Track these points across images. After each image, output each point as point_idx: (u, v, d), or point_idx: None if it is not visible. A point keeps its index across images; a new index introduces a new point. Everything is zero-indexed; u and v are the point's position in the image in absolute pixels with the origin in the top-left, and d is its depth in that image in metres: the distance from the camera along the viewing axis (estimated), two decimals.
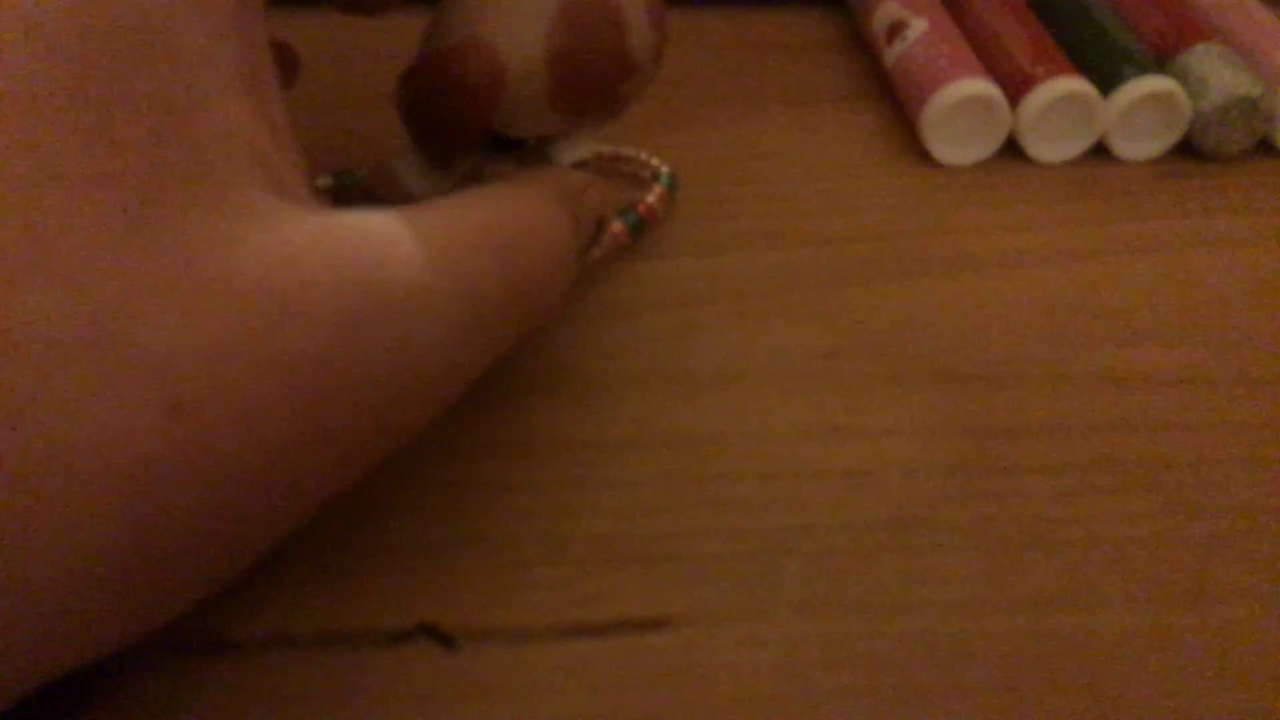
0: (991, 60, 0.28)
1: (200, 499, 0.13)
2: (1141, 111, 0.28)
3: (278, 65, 0.16)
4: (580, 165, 0.22)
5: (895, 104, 0.30)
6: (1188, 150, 0.28)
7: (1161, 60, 0.28)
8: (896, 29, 0.30)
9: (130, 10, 0.13)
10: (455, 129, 0.19)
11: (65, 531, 0.12)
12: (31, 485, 0.12)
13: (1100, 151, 0.28)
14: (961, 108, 0.27)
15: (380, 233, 0.15)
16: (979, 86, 0.27)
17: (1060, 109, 0.27)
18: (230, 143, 0.14)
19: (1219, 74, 0.28)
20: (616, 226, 0.24)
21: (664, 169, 0.26)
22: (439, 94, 0.19)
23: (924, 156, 0.28)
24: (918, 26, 0.29)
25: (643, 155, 0.27)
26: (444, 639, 0.18)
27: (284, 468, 0.14)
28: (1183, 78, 0.28)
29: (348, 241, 0.14)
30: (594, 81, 0.19)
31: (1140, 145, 0.28)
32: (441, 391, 0.16)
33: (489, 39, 0.19)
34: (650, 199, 0.25)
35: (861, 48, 0.33)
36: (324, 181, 0.26)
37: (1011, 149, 0.28)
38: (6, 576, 0.12)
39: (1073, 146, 0.28)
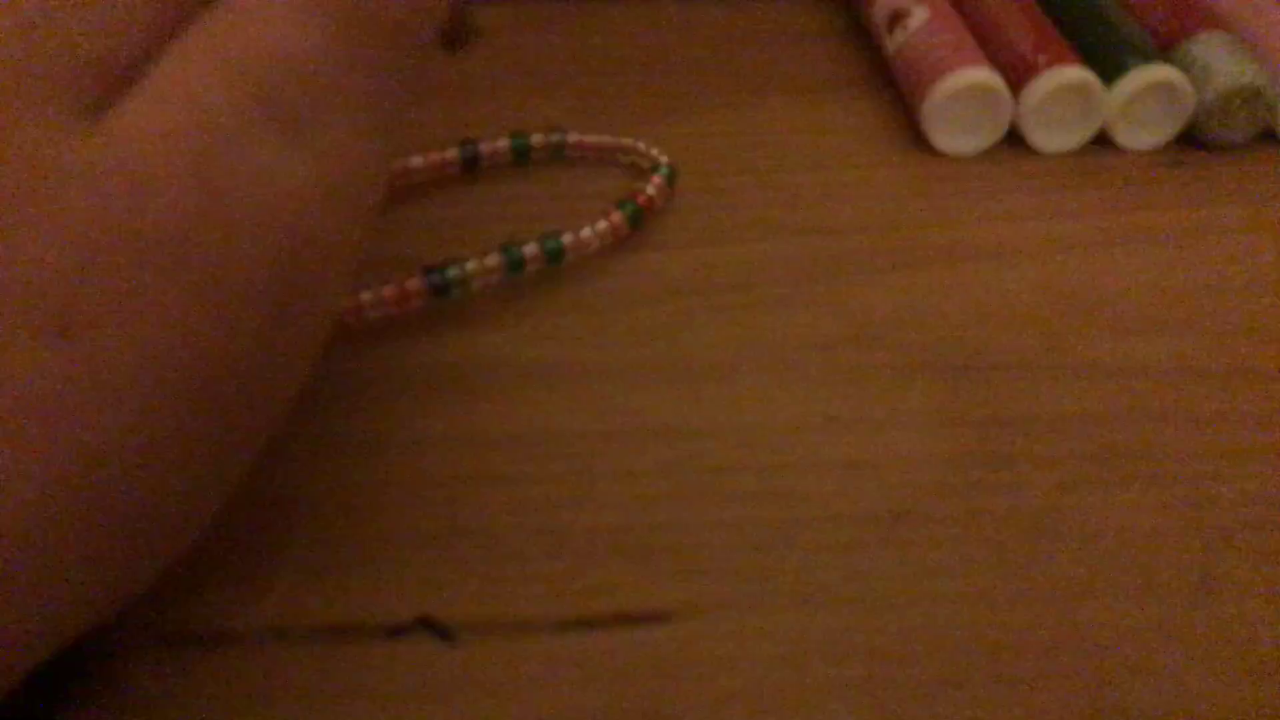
0: (993, 49, 0.28)
1: (122, 422, 0.12)
2: (1144, 101, 0.27)
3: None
4: None
5: (896, 93, 0.30)
6: (1191, 140, 0.28)
7: (1164, 49, 0.28)
8: (897, 17, 0.29)
9: None
10: None
11: None
12: None
13: (1102, 141, 0.28)
14: (963, 97, 0.27)
15: (185, 72, 0.13)
16: (980, 75, 0.27)
17: (1062, 98, 0.27)
18: (105, 34, 0.13)
19: (1223, 63, 0.27)
20: (615, 218, 0.24)
21: (663, 159, 0.26)
22: None
23: (925, 146, 0.28)
24: (919, 15, 0.29)
25: (642, 145, 0.27)
26: (442, 632, 0.18)
27: (205, 360, 0.13)
28: (1186, 66, 0.27)
29: (165, 96, 0.13)
30: None
31: (1143, 135, 0.28)
32: (330, 196, 0.14)
33: None
34: (649, 190, 0.25)
35: (862, 36, 0.32)
36: None
37: (1013, 138, 0.28)
38: None
39: (1075, 136, 0.28)
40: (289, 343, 0.14)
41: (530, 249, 0.23)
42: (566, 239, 0.23)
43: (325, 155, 0.14)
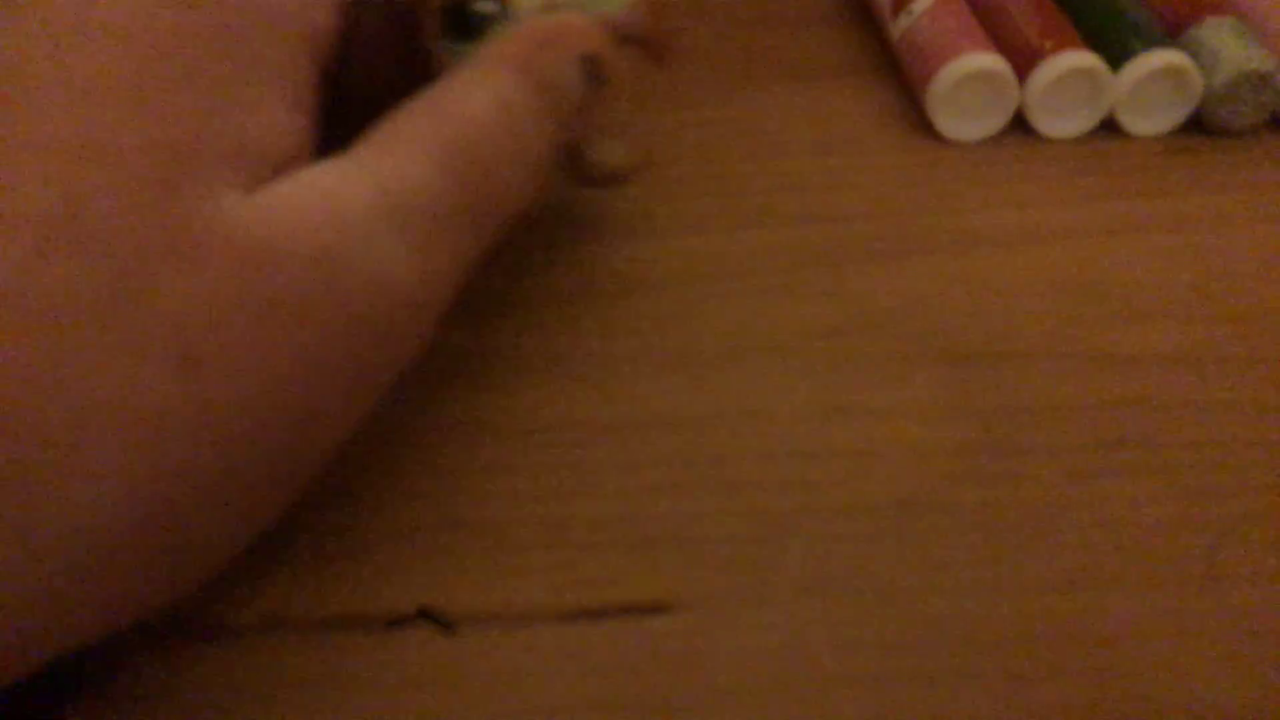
0: (999, 34, 0.28)
1: (214, 451, 0.14)
2: (1151, 86, 0.27)
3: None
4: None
5: (900, 79, 0.29)
6: (1198, 125, 0.28)
7: (1172, 33, 0.28)
8: (902, 2, 0.29)
9: (213, 20, 0.15)
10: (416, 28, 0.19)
11: (83, 488, 0.13)
12: (50, 444, 0.13)
13: (1109, 127, 0.28)
14: (968, 82, 0.27)
15: (333, 177, 0.16)
16: (986, 60, 0.27)
17: (1069, 83, 0.27)
18: (267, 127, 0.15)
19: (1230, 48, 0.27)
20: None
21: None
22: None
23: (930, 132, 0.28)
24: None
25: None
26: (443, 623, 0.18)
27: (291, 412, 0.15)
28: (1193, 51, 0.27)
29: (311, 190, 0.15)
30: None
31: (1150, 120, 0.28)
32: (422, 306, 0.17)
33: None
34: None
35: (866, 21, 0.32)
36: None
37: (1019, 124, 0.28)
38: (25, 534, 0.13)
39: (1081, 122, 0.28)
40: (351, 407, 0.16)
41: None
42: None
43: (428, 272, 0.17)
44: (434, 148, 0.17)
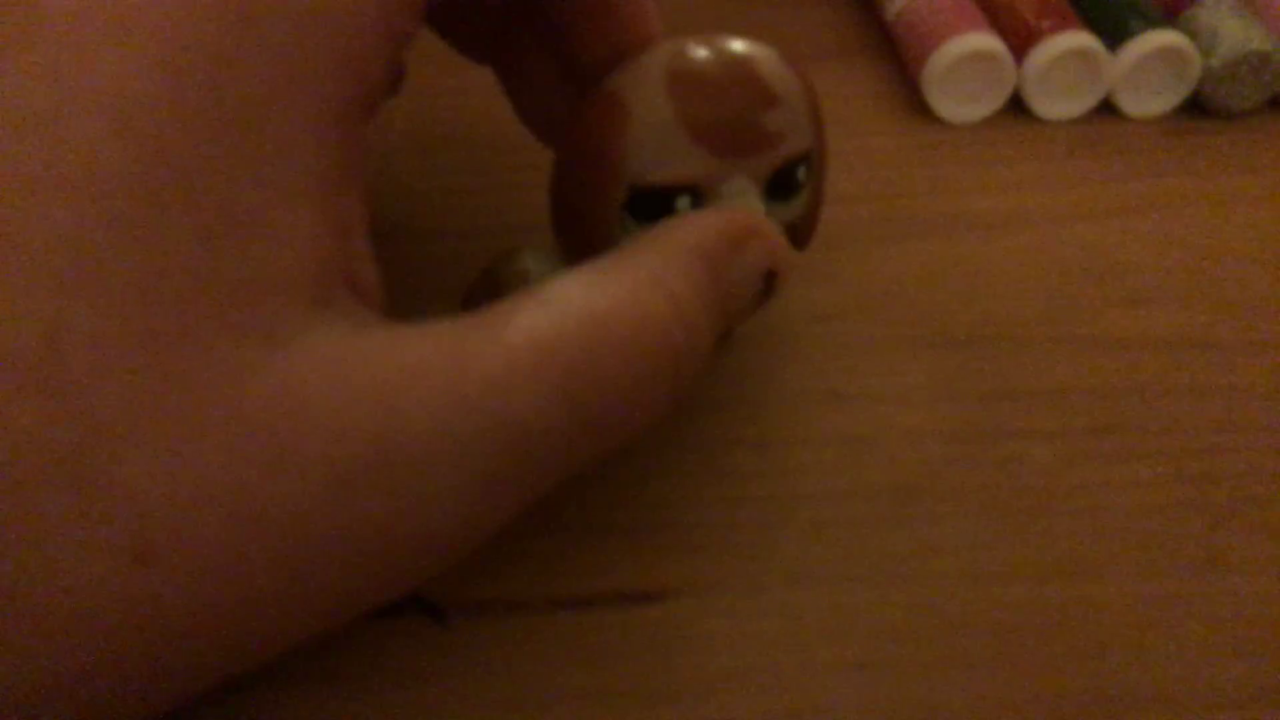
0: (996, 14, 0.27)
1: (155, 648, 0.12)
2: (1149, 67, 0.27)
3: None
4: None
5: (896, 59, 0.29)
6: (1196, 107, 0.28)
7: (1170, 13, 0.28)
8: None
9: (224, 97, 0.13)
10: (589, 189, 0.17)
11: (6, 670, 0.12)
12: None
13: (1107, 108, 0.28)
14: (965, 63, 0.27)
15: (408, 366, 0.13)
16: (983, 41, 0.26)
17: (1066, 64, 0.27)
18: (287, 249, 0.13)
19: (1229, 28, 0.27)
20: None
21: None
22: (568, 153, 0.18)
23: (926, 113, 0.27)
24: None
25: None
26: (434, 612, 0.17)
27: (253, 622, 0.13)
28: (1192, 32, 0.27)
29: (368, 377, 0.13)
30: (726, 106, 0.17)
31: (1148, 102, 0.27)
32: (462, 538, 0.14)
33: (607, 85, 0.17)
34: None
35: (861, 1, 0.32)
36: None
37: (1016, 106, 0.28)
38: None
39: (1079, 103, 0.27)
40: (334, 620, 0.14)
41: None
42: None
43: (480, 517, 0.14)
44: (566, 357, 0.14)
